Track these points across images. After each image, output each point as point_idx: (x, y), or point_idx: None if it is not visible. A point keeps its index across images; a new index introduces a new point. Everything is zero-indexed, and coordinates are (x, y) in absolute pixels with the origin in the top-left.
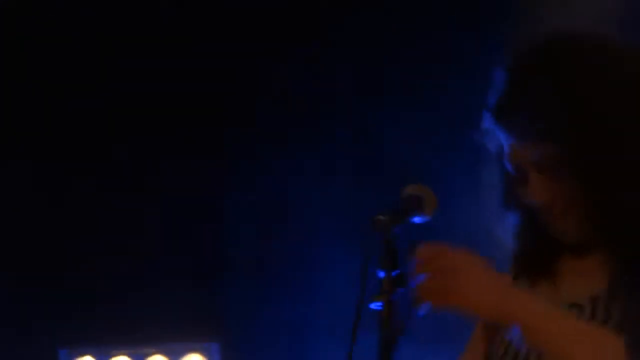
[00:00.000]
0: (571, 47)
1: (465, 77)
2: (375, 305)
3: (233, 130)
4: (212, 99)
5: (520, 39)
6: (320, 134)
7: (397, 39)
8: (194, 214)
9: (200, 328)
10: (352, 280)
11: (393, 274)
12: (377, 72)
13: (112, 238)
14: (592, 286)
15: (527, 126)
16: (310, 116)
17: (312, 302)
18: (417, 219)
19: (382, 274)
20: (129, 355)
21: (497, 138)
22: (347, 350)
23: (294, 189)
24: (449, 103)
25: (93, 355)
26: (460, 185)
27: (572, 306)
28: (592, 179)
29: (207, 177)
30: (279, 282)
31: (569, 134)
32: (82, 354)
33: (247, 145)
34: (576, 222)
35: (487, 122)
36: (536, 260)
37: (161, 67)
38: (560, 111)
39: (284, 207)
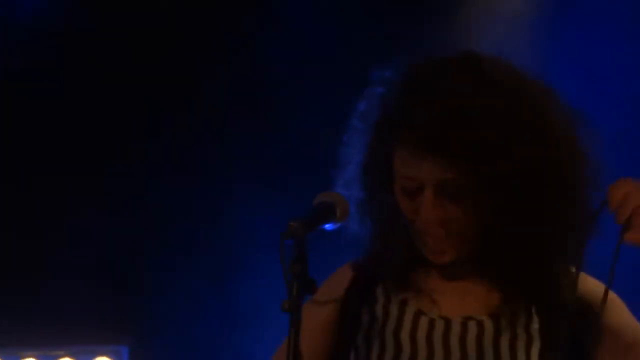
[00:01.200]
0: (494, 72)
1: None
2: (284, 310)
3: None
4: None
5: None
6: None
7: None
8: (107, 210)
9: (109, 330)
10: (273, 282)
11: (301, 280)
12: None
13: (15, 236)
14: (478, 305)
15: (448, 144)
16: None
17: (228, 305)
18: (328, 226)
19: (291, 280)
20: (37, 357)
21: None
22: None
23: (221, 188)
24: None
25: (2, 358)
26: None
27: (467, 320)
28: (487, 212)
29: (130, 174)
30: (191, 284)
31: (477, 166)
32: None
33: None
34: (455, 247)
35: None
36: (402, 273)
37: None
38: (481, 137)
39: (204, 207)
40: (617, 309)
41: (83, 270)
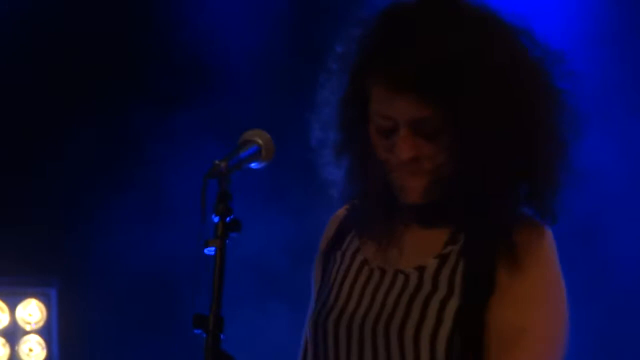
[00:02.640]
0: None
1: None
2: (209, 251)
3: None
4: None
5: None
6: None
7: None
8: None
9: (36, 269)
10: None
11: (227, 219)
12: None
13: None
14: (423, 254)
15: (423, 83)
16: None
17: (153, 244)
18: (254, 165)
19: (216, 219)
20: None
21: (367, 81)
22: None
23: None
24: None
25: None
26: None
27: (398, 273)
28: (461, 150)
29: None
30: (120, 219)
31: (454, 104)
32: None
33: None
34: (429, 186)
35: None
36: (369, 220)
37: None
38: (454, 82)
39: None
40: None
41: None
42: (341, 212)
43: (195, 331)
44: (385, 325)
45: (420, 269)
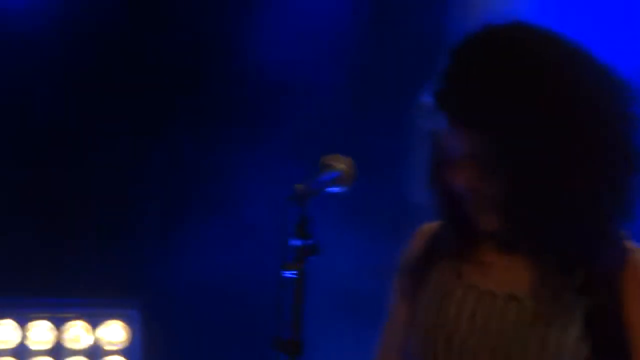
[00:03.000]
0: (519, 41)
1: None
2: (289, 274)
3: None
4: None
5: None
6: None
7: None
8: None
9: (119, 291)
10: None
11: (307, 243)
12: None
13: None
14: (524, 281)
15: (468, 113)
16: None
17: (234, 266)
18: (334, 190)
19: (297, 243)
20: (48, 320)
21: (435, 117)
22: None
23: (218, 152)
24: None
25: (13, 319)
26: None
27: (510, 298)
28: (518, 178)
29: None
30: (201, 241)
31: (507, 130)
32: (1, 317)
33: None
34: (498, 215)
35: (428, 100)
36: (462, 244)
37: None
38: (504, 107)
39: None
40: None
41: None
42: (427, 227)
43: (275, 354)
44: (506, 353)
45: (537, 296)
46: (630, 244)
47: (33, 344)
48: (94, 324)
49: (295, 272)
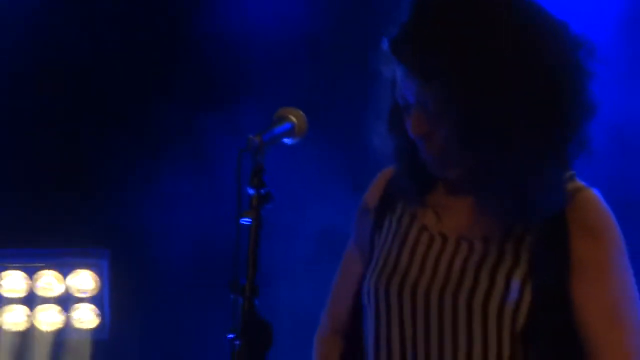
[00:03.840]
0: None
1: None
2: (245, 221)
3: None
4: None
5: None
6: None
7: None
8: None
9: (88, 241)
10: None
11: (262, 191)
12: None
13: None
14: (485, 224)
15: (419, 63)
16: None
17: (199, 215)
18: (288, 140)
19: (251, 192)
20: (21, 270)
21: (392, 65)
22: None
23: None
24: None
25: None
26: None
27: (460, 240)
28: (464, 125)
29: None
30: (167, 194)
31: (455, 79)
32: None
33: None
34: (447, 161)
35: (386, 49)
36: (416, 189)
37: None
38: (451, 56)
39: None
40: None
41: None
42: (389, 171)
43: (231, 296)
44: (454, 293)
45: (485, 238)
46: (576, 184)
47: (7, 292)
48: (65, 273)
49: (249, 219)
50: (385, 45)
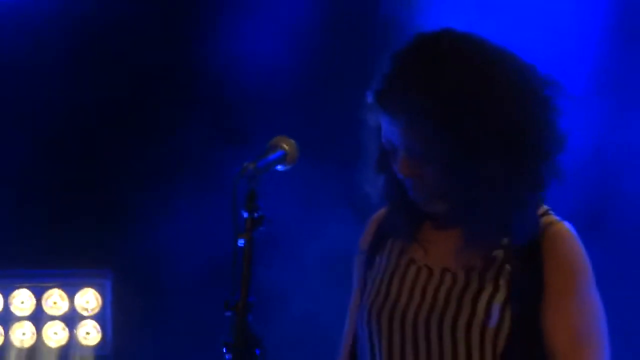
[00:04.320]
0: (442, 45)
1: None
2: (240, 242)
3: None
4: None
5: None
6: None
7: None
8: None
9: (92, 262)
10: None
11: (255, 215)
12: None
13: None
14: (456, 256)
15: (397, 111)
16: None
17: (198, 238)
18: (280, 167)
19: (245, 215)
20: (28, 289)
21: (377, 114)
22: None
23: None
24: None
25: None
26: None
27: (445, 271)
28: (451, 162)
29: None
30: (168, 217)
31: (427, 123)
32: None
33: None
34: (431, 200)
35: (370, 100)
36: (406, 224)
37: None
38: (421, 102)
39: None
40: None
41: (70, 209)
42: (379, 214)
43: (226, 314)
44: (439, 320)
45: (467, 268)
46: (550, 217)
47: (16, 309)
48: (70, 292)
49: (244, 240)
50: (369, 97)
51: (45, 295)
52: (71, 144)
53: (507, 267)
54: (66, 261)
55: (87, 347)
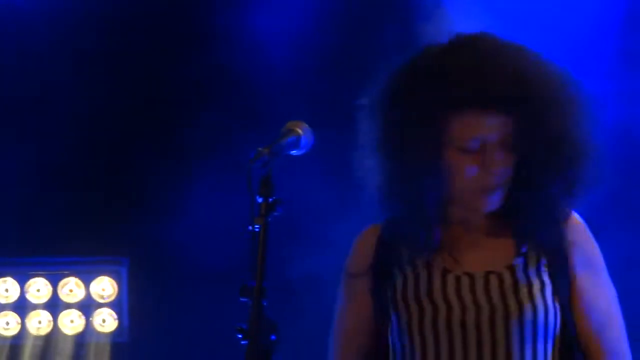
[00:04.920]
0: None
1: None
2: (256, 228)
3: None
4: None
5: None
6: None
7: None
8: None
9: (108, 250)
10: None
11: (269, 200)
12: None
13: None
14: (504, 256)
15: (506, 104)
16: None
17: (213, 225)
18: (294, 152)
19: (260, 200)
20: (44, 277)
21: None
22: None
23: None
24: None
25: (13, 277)
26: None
27: (488, 274)
28: (529, 158)
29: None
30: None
31: (531, 118)
32: (3, 275)
33: None
34: (502, 195)
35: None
36: (427, 235)
37: None
38: (529, 97)
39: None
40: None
41: (87, 197)
42: (371, 231)
43: (242, 299)
44: (504, 317)
45: (510, 268)
46: (574, 218)
47: (32, 297)
48: (86, 280)
49: (258, 226)
50: (463, 101)
51: (61, 283)
52: (88, 132)
53: (544, 260)
54: (82, 249)
55: (103, 334)
